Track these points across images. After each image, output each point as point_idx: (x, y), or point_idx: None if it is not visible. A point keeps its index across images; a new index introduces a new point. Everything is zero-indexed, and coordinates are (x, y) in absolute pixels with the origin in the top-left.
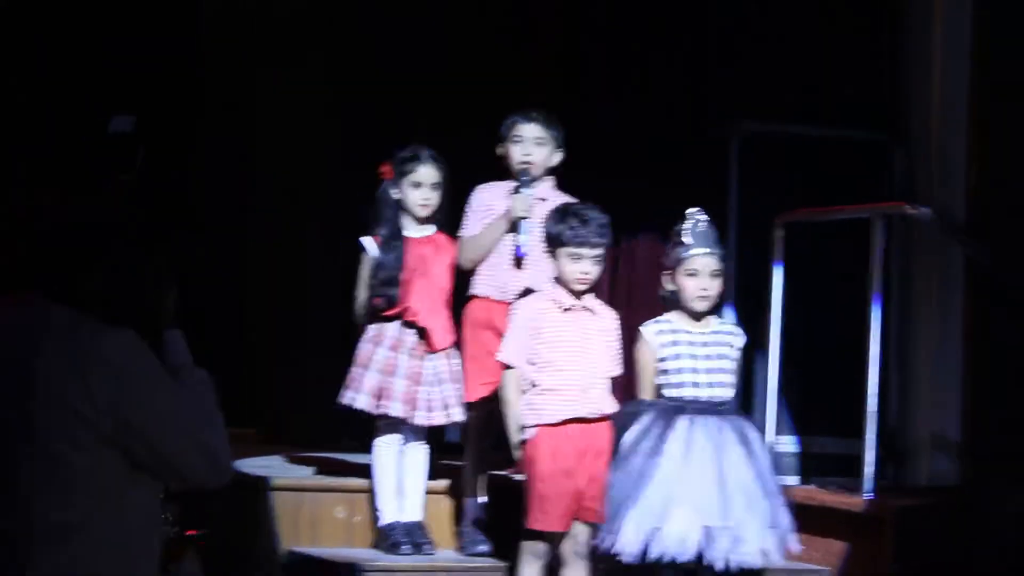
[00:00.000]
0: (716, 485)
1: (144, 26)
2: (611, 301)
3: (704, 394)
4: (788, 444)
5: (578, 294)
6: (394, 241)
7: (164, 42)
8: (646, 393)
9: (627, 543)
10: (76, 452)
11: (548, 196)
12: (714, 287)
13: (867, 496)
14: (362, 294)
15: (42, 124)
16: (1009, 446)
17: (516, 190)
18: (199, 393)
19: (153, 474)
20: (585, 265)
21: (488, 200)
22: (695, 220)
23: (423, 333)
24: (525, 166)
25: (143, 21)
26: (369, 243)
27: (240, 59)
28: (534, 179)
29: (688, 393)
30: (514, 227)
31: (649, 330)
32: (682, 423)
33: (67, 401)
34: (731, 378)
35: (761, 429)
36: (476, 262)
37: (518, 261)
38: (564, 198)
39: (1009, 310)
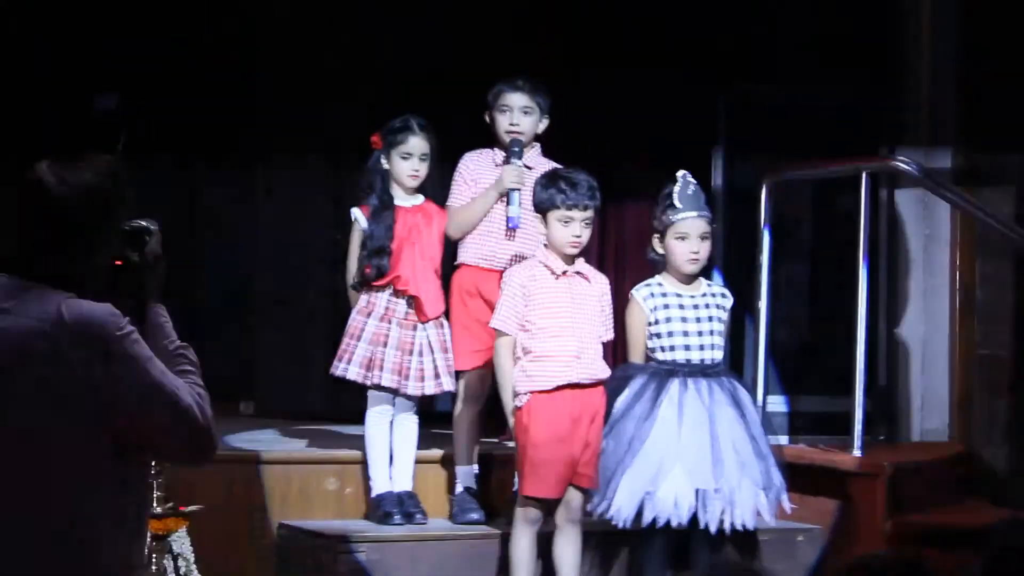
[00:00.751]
0: (709, 448)
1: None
2: (600, 265)
3: (695, 357)
4: (778, 404)
5: (570, 259)
6: (384, 211)
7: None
8: (637, 357)
9: (621, 508)
10: (61, 433)
11: (535, 164)
12: (704, 250)
13: (857, 454)
14: (352, 264)
15: (29, 102)
16: (998, 402)
17: (506, 160)
18: (184, 369)
19: (138, 452)
20: (576, 228)
21: (476, 169)
22: (684, 182)
23: (413, 302)
24: (515, 136)
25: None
26: (358, 213)
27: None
28: (524, 148)
29: (680, 356)
30: (504, 198)
31: (640, 294)
32: (674, 386)
33: (50, 382)
34: (721, 340)
35: (751, 389)
36: (465, 232)
37: (511, 232)
38: (551, 165)
39: (995, 265)
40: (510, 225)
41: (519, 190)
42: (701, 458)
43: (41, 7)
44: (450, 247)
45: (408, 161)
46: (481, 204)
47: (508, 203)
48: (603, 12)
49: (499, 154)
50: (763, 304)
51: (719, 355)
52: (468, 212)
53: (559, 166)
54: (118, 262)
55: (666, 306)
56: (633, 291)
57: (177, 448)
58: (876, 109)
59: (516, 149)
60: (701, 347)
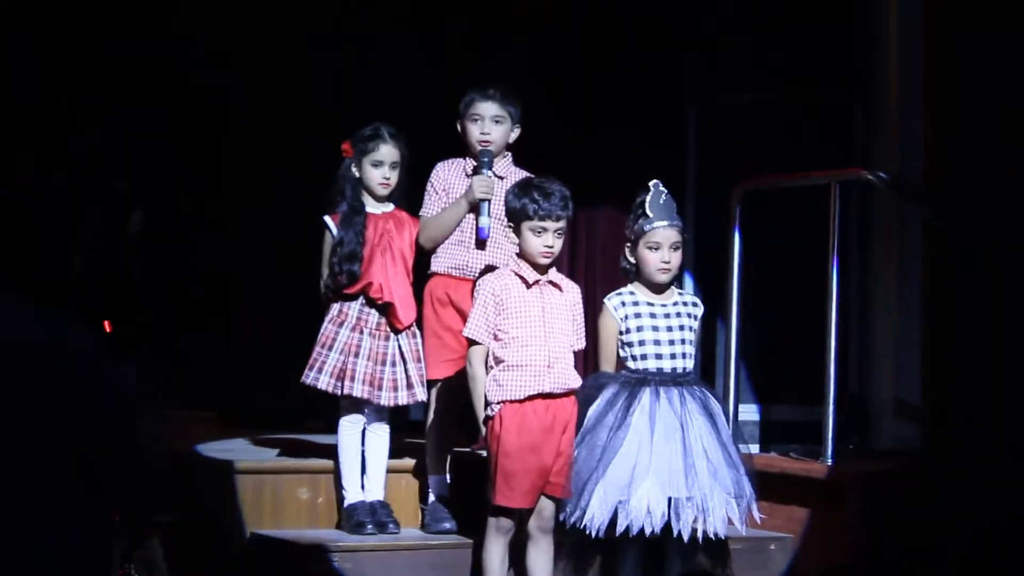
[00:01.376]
0: (681, 457)
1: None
2: (572, 274)
3: (667, 365)
4: (750, 412)
5: (542, 268)
6: (354, 216)
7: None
8: (608, 365)
9: (594, 517)
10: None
11: (506, 173)
12: (675, 260)
13: (828, 462)
14: (324, 271)
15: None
16: (970, 410)
17: (476, 171)
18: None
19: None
20: (548, 239)
21: (447, 179)
22: (656, 191)
23: (386, 310)
24: (484, 146)
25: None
26: (328, 221)
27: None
28: (493, 158)
29: (651, 365)
30: (475, 208)
31: (611, 303)
32: (646, 395)
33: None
34: (692, 349)
35: (722, 397)
36: (438, 242)
37: (481, 243)
38: (522, 174)
39: (968, 274)
40: (480, 235)
41: (489, 200)
42: (673, 467)
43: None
44: (421, 256)
45: (379, 169)
46: (452, 215)
47: (478, 213)
48: (570, 20)
49: (470, 163)
50: (734, 312)
51: (690, 364)
52: (439, 223)
53: (531, 175)
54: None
55: (637, 315)
56: (605, 300)
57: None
58: (849, 115)
59: (486, 160)
60: (672, 356)
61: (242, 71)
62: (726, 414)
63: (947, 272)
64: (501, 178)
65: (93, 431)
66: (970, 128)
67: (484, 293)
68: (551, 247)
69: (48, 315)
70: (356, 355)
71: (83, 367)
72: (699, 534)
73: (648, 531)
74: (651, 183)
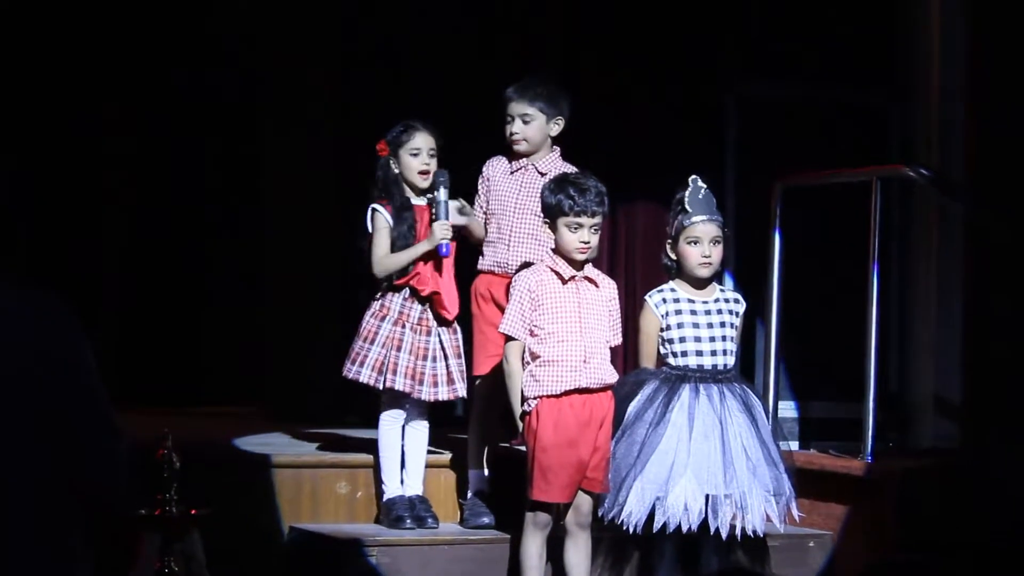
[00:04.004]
0: (720, 454)
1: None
2: (611, 270)
3: (707, 362)
4: (789, 409)
5: (578, 264)
6: (404, 212)
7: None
8: (649, 361)
9: (631, 513)
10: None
11: (548, 169)
12: (716, 254)
13: (867, 460)
14: (385, 258)
15: None
16: (1010, 407)
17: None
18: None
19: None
20: (584, 234)
21: (488, 173)
22: (695, 187)
23: (430, 303)
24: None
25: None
26: (381, 208)
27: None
28: (441, 184)
29: (692, 362)
30: (434, 215)
31: (653, 299)
32: (686, 392)
33: None
34: (733, 345)
35: (762, 394)
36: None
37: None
38: (567, 168)
39: (1008, 271)
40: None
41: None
42: (712, 464)
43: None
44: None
45: (418, 157)
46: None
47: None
48: (607, 14)
49: (514, 159)
50: (774, 309)
51: (731, 360)
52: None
53: (573, 169)
54: None
55: (678, 311)
56: (646, 296)
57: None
58: (887, 112)
59: (441, 181)
60: (713, 352)
61: (276, 64)
62: (766, 411)
63: (988, 269)
64: (543, 174)
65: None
66: (1011, 126)
67: (520, 289)
68: (587, 243)
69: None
70: (398, 349)
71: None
72: (737, 531)
73: (685, 528)
74: (690, 178)
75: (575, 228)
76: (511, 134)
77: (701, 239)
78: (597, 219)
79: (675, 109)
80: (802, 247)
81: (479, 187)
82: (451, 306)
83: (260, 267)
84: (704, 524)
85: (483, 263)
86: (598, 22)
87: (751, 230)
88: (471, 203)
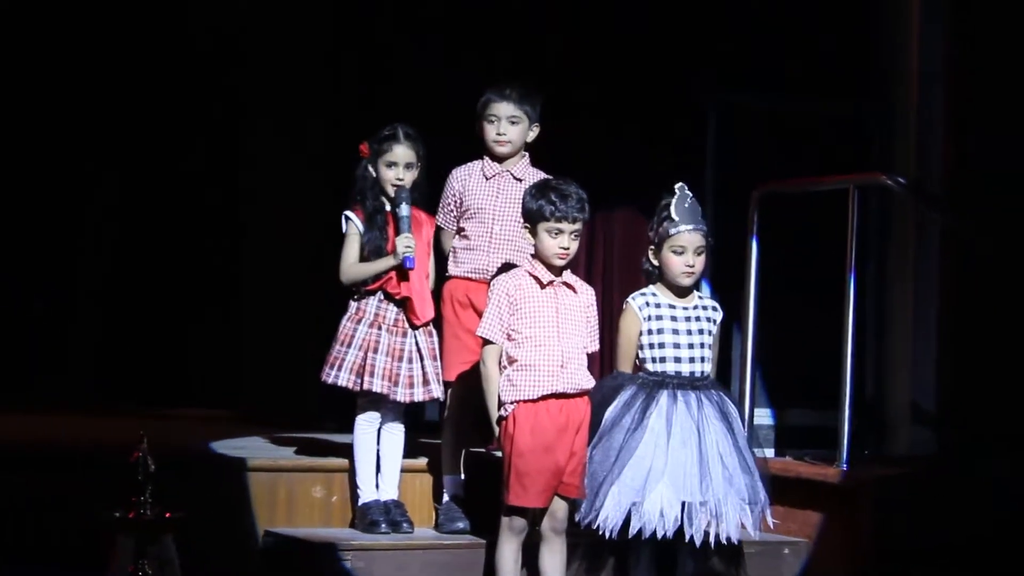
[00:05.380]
0: (696, 461)
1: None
2: (588, 276)
3: (685, 369)
4: (765, 416)
5: (557, 270)
6: (376, 215)
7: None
8: (626, 366)
9: (607, 518)
10: None
11: (523, 174)
12: (699, 264)
13: (843, 467)
14: (352, 267)
15: None
16: (986, 415)
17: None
18: None
19: None
20: (564, 240)
21: (463, 186)
22: (681, 195)
23: (404, 306)
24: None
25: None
26: (352, 216)
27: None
28: (408, 198)
29: (670, 368)
30: (397, 230)
31: (636, 302)
32: (663, 398)
33: None
34: (711, 353)
35: (738, 401)
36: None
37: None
38: (540, 174)
39: (984, 280)
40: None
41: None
42: (688, 471)
43: None
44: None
45: (392, 169)
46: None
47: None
48: (590, 22)
49: (488, 164)
50: (751, 316)
51: (708, 368)
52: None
53: (548, 176)
54: None
55: (659, 316)
56: (629, 299)
57: None
58: (866, 122)
59: (403, 198)
60: (691, 359)
61: (256, 59)
62: (742, 418)
63: (964, 278)
64: (519, 180)
65: None
66: (988, 136)
67: (498, 293)
68: (567, 248)
69: None
70: (375, 351)
71: None
72: (711, 538)
73: (660, 534)
74: (676, 186)
75: (555, 234)
76: (497, 134)
77: (686, 248)
78: (578, 225)
79: (655, 117)
80: (780, 255)
81: (446, 198)
82: (422, 312)
83: (238, 270)
84: (680, 531)
85: (458, 269)
86: (580, 30)
87: (729, 238)
88: (433, 213)
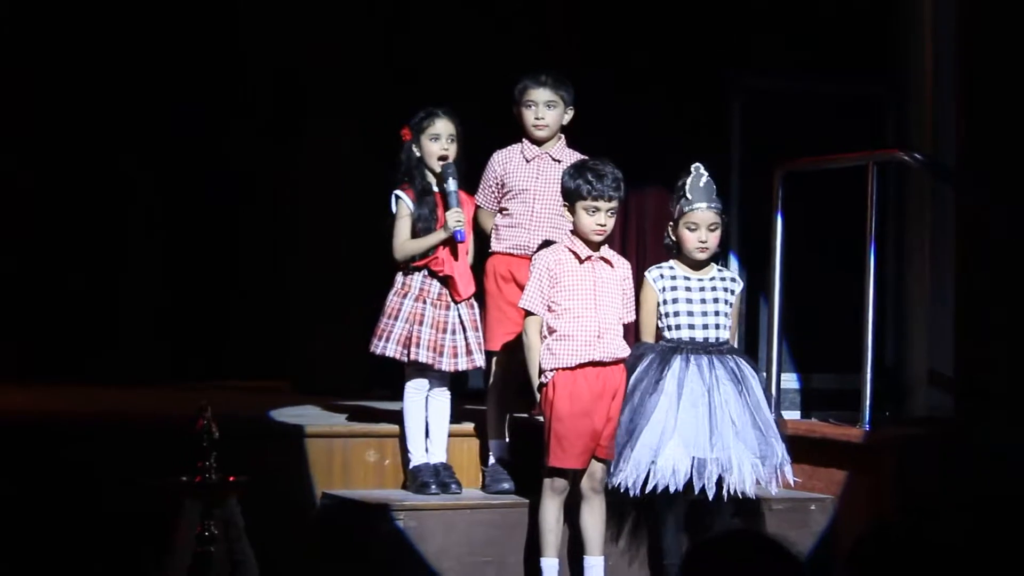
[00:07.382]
0: (707, 419)
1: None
2: (623, 251)
3: (699, 335)
4: (791, 381)
5: (594, 245)
6: (426, 196)
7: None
8: (648, 336)
9: (629, 477)
10: None
11: (561, 156)
12: (712, 240)
13: (865, 428)
14: (406, 244)
15: None
16: (1000, 378)
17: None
18: None
19: None
20: (601, 217)
21: (504, 169)
22: (697, 174)
23: (447, 283)
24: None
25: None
26: (403, 195)
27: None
28: (450, 176)
29: (684, 335)
30: (446, 205)
31: (651, 275)
32: (677, 362)
33: None
34: (727, 320)
35: (764, 367)
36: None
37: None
38: (576, 155)
39: (998, 251)
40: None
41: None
42: (698, 428)
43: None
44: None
45: (437, 142)
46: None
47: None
48: (616, 7)
49: (528, 147)
50: (776, 287)
51: (724, 334)
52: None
53: (585, 157)
54: None
55: (674, 288)
56: (646, 273)
57: None
58: (883, 101)
59: (448, 175)
60: (705, 326)
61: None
62: (768, 383)
63: (978, 248)
64: (557, 161)
65: None
66: (1000, 114)
67: (539, 267)
68: (603, 225)
69: None
70: (420, 323)
71: None
72: (725, 492)
73: (672, 489)
74: (693, 166)
75: (592, 211)
76: (536, 119)
77: (699, 225)
78: (613, 203)
79: (683, 100)
80: (803, 229)
81: (488, 180)
82: (463, 289)
83: (293, 246)
84: (701, 490)
85: (501, 245)
86: (607, 16)
87: (755, 213)
88: (472, 193)
